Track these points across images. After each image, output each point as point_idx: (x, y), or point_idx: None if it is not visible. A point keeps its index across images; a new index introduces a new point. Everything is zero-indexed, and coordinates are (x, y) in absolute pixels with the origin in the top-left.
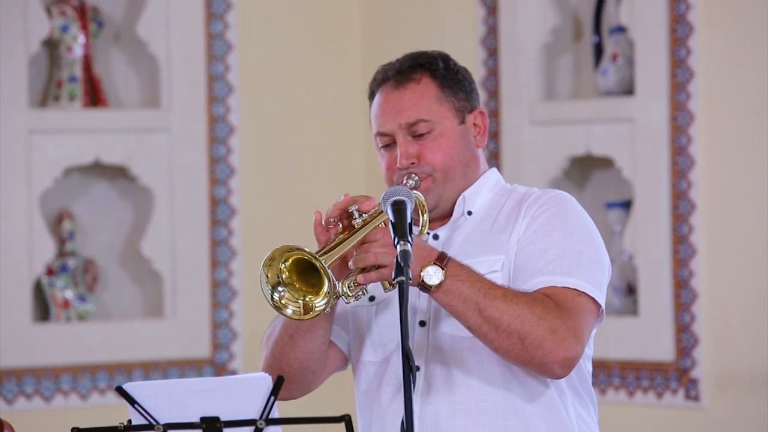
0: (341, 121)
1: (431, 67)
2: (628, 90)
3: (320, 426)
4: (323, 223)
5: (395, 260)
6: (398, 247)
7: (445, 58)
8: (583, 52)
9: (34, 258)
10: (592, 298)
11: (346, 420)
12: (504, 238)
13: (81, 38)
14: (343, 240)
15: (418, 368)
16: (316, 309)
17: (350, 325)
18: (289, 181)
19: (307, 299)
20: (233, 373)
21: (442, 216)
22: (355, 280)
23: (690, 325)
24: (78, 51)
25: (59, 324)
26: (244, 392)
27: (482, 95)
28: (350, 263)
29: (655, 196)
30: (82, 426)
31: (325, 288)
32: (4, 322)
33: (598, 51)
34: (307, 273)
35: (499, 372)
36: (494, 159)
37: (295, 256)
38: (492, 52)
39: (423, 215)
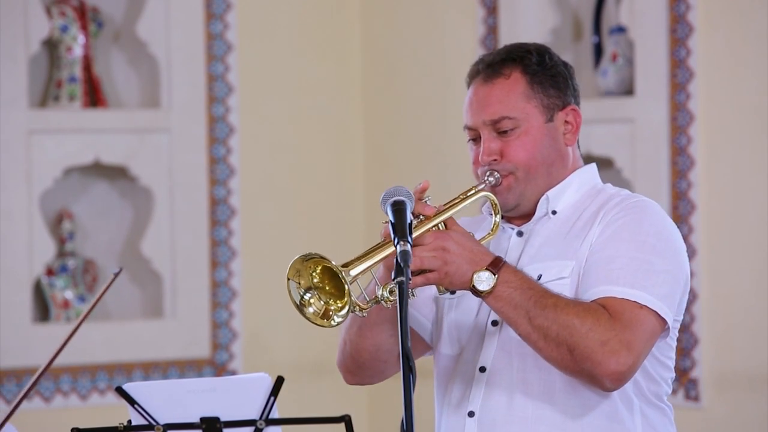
0: (341, 121)
1: (524, 62)
2: (628, 90)
3: (320, 426)
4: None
5: (395, 261)
6: (398, 247)
7: (542, 52)
8: (583, 53)
9: (34, 258)
10: (655, 312)
11: (346, 420)
12: (577, 244)
13: (81, 38)
14: (380, 246)
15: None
16: (335, 319)
17: (432, 314)
18: (289, 181)
19: (329, 302)
20: (233, 373)
21: (525, 215)
22: None
23: (690, 325)
24: (78, 51)
25: (59, 324)
26: (244, 392)
27: None
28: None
29: (655, 197)
30: (82, 426)
31: (345, 300)
32: (4, 322)
33: (598, 51)
34: (337, 278)
35: (560, 380)
36: None
37: (324, 264)
38: None
39: (495, 216)
